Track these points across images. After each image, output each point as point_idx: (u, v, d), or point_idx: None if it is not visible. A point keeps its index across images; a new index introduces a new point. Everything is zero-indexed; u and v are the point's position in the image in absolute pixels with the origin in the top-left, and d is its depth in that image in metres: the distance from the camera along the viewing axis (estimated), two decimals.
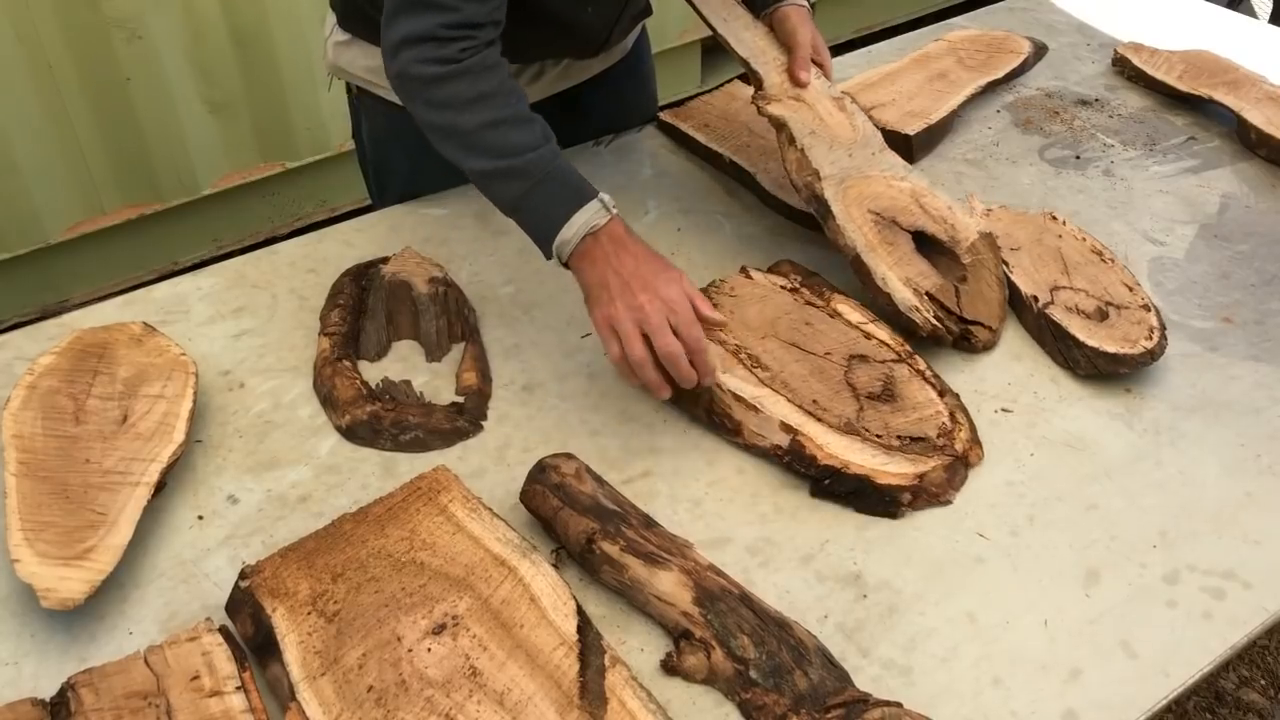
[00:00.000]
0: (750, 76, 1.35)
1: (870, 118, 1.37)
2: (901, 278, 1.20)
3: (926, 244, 1.25)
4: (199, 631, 0.87)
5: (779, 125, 1.30)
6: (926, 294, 1.20)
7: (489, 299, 1.30)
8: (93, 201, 2.41)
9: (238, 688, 0.82)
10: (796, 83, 1.32)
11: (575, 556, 0.95)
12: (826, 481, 1.03)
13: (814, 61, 1.36)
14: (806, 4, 1.38)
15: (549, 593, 0.88)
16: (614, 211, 1.08)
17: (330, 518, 0.97)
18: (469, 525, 0.94)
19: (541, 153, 1.08)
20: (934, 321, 1.17)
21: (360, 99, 1.46)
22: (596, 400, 1.16)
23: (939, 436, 1.06)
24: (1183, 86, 1.66)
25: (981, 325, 1.20)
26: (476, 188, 1.14)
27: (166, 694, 0.82)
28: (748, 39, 1.36)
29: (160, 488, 1.01)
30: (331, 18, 1.41)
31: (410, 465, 1.08)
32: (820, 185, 1.24)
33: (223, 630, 0.87)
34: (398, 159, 1.47)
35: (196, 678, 0.83)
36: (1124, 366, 1.15)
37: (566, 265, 1.09)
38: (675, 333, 1.03)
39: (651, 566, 0.91)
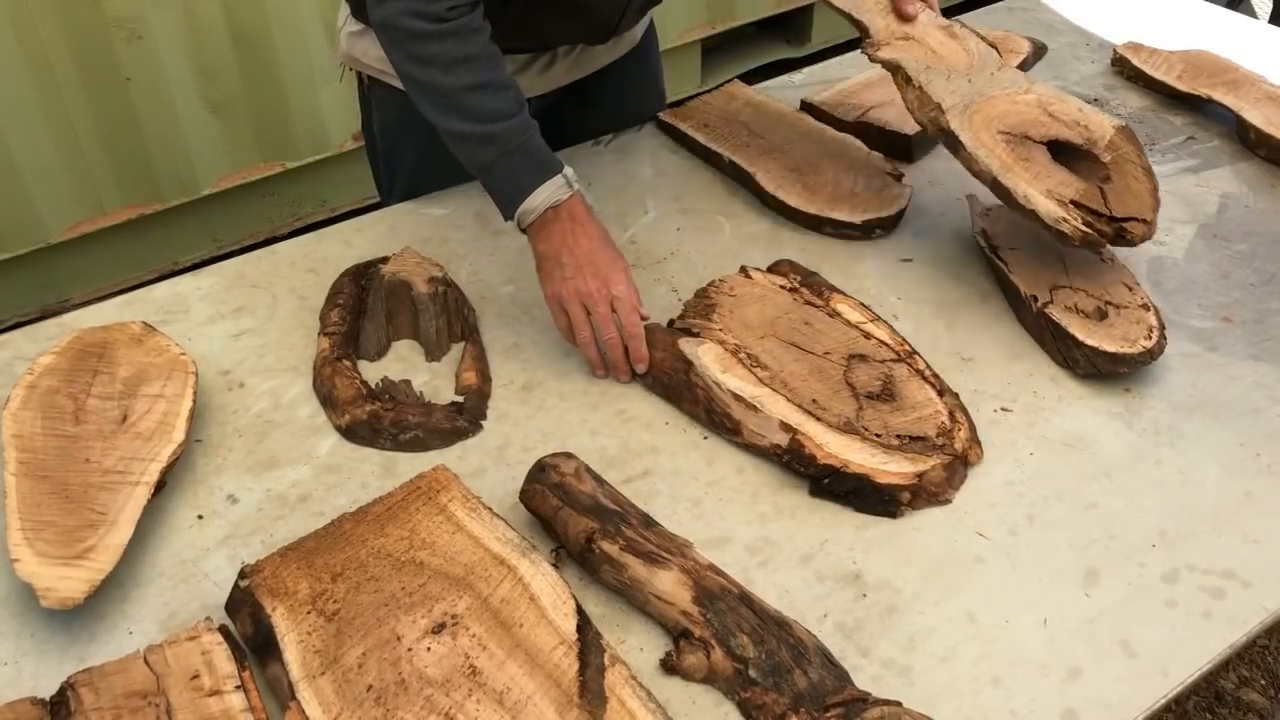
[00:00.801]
0: (855, 27, 1.36)
1: (982, 38, 1.35)
2: (1042, 191, 1.18)
3: (1064, 151, 1.24)
4: (199, 631, 0.87)
5: (893, 68, 1.31)
6: (1071, 202, 1.18)
7: (489, 298, 1.30)
8: (93, 201, 2.41)
9: (237, 687, 0.82)
10: (904, 17, 1.29)
11: (575, 556, 0.95)
12: (826, 481, 1.03)
13: None
14: None
15: (548, 592, 0.88)
16: (576, 187, 1.15)
17: (330, 517, 0.97)
18: (469, 525, 0.94)
19: (516, 121, 1.13)
20: (1083, 229, 1.16)
21: (372, 89, 1.46)
22: (596, 400, 1.16)
23: (938, 436, 1.06)
24: (1182, 86, 1.66)
25: (1135, 220, 1.18)
26: (446, 143, 1.17)
27: (166, 693, 0.82)
28: None
29: (160, 487, 1.01)
30: (345, 8, 1.42)
31: (410, 465, 1.08)
32: (945, 118, 1.25)
33: (222, 630, 0.87)
34: (407, 150, 1.48)
35: (196, 677, 0.83)
36: (1123, 366, 1.15)
37: (524, 231, 1.17)
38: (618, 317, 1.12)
39: (651, 566, 0.91)
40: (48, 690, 0.85)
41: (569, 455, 1.01)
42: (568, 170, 1.15)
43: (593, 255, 1.13)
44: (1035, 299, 1.22)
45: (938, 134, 1.27)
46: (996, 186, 1.21)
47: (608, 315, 1.13)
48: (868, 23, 1.34)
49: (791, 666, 0.86)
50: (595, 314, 1.13)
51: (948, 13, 1.46)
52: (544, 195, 1.13)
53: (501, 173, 1.15)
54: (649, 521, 0.97)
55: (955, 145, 1.25)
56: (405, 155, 1.49)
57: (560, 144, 1.56)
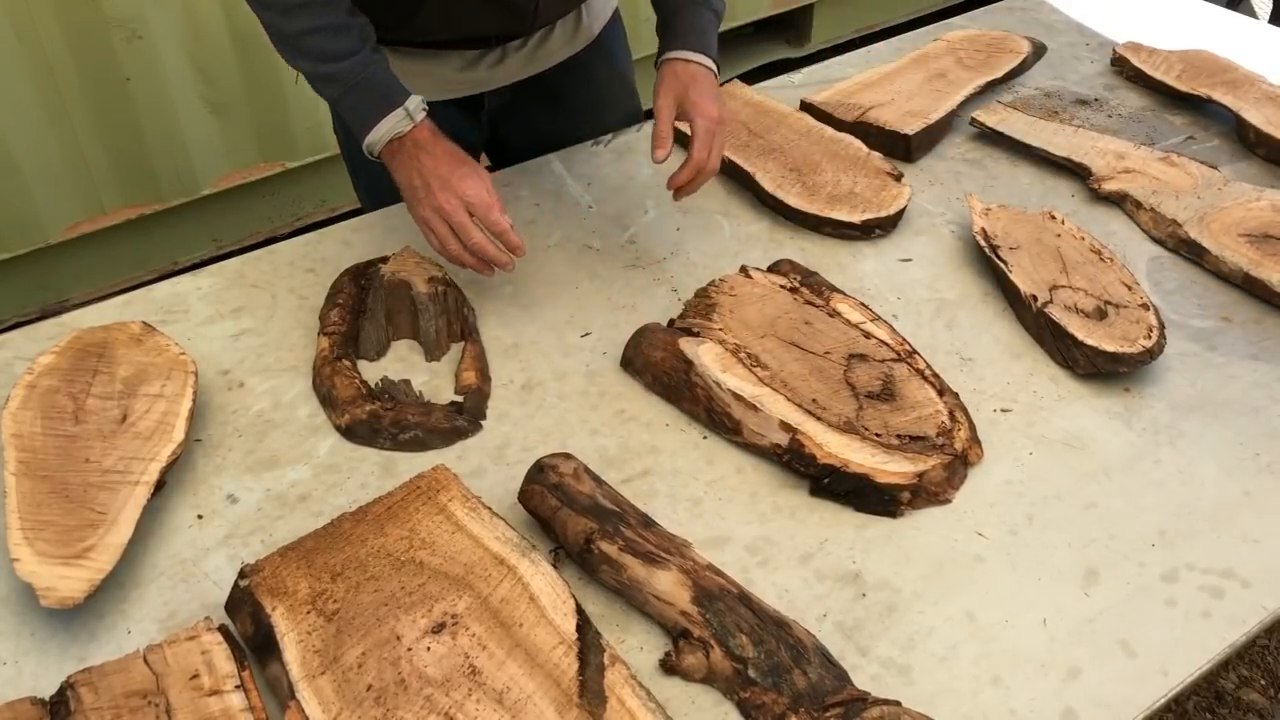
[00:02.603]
0: (1078, 170, 1.49)
1: (1201, 163, 1.45)
2: None
3: None
4: (198, 630, 0.87)
5: (1121, 197, 1.43)
6: None
7: (488, 298, 1.30)
8: (93, 201, 2.41)
9: (237, 686, 0.82)
10: (654, 158, 1.25)
11: (574, 556, 0.95)
12: (826, 480, 1.03)
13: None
14: (708, 63, 1.29)
15: (548, 591, 0.88)
16: (419, 117, 1.17)
17: (329, 517, 0.97)
18: (468, 524, 0.94)
19: (356, 60, 1.17)
20: None
21: None
22: (596, 400, 1.16)
23: (938, 435, 1.06)
24: (1182, 86, 1.66)
25: None
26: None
27: (166, 693, 0.82)
28: (1059, 141, 1.53)
29: (160, 487, 1.01)
30: None
31: (409, 464, 1.08)
32: (1183, 230, 1.34)
33: (222, 629, 0.87)
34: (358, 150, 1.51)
35: (196, 676, 0.83)
36: (1123, 365, 1.15)
37: (378, 160, 1.20)
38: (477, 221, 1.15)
39: (650, 566, 0.91)
40: (48, 690, 0.85)
41: (568, 455, 1.01)
42: (411, 102, 1.17)
43: (437, 171, 1.16)
44: (1035, 299, 1.22)
45: (1179, 246, 1.35)
46: (1250, 281, 1.29)
47: (466, 222, 1.15)
48: (1088, 164, 1.48)
49: (791, 666, 0.86)
50: (454, 224, 1.15)
51: (946, 14, 1.46)
52: (386, 127, 1.16)
53: (348, 108, 1.19)
54: (648, 522, 0.97)
55: (1199, 252, 1.34)
56: (368, 160, 1.51)
57: (530, 140, 1.58)
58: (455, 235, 1.16)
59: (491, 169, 1.57)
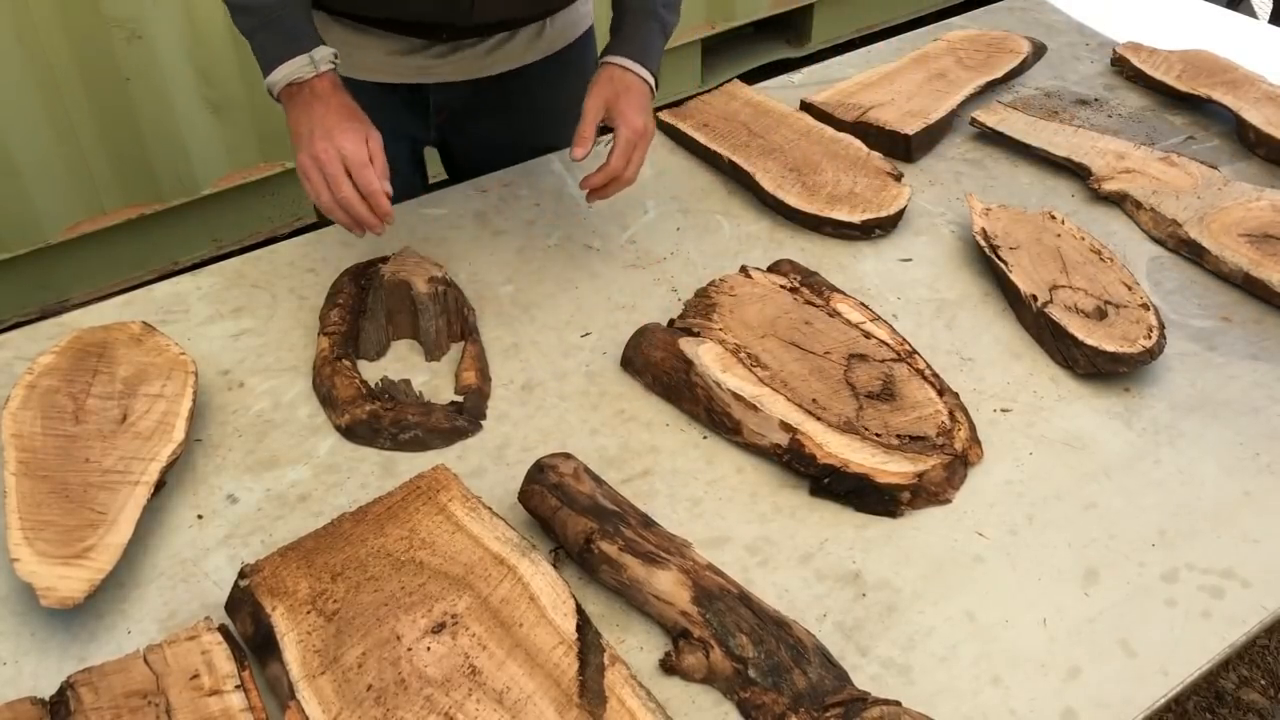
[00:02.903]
0: (1078, 170, 1.49)
1: (1201, 163, 1.46)
2: None
3: None
4: (198, 630, 0.87)
5: (1121, 197, 1.43)
6: None
7: (488, 298, 1.30)
8: (93, 201, 2.42)
9: (237, 686, 0.82)
10: (573, 156, 1.24)
11: (574, 556, 0.95)
12: (826, 480, 1.03)
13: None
14: (644, 75, 1.29)
15: (548, 591, 0.88)
16: (323, 68, 1.16)
17: (329, 517, 0.97)
18: (468, 524, 0.94)
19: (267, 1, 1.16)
20: None
21: None
22: (596, 400, 1.16)
23: (938, 435, 1.06)
24: (1182, 86, 1.66)
25: None
26: None
27: (166, 693, 0.82)
28: (1059, 141, 1.53)
29: (160, 487, 1.01)
30: None
31: (409, 464, 1.08)
32: (1183, 230, 1.34)
33: (222, 629, 0.87)
34: None
35: (196, 676, 0.83)
36: (1123, 365, 1.15)
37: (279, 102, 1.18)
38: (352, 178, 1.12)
39: (650, 566, 0.91)
40: (47, 690, 0.85)
41: (568, 455, 1.01)
42: (319, 51, 1.16)
43: (324, 120, 1.14)
44: (1035, 299, 1.22)
45: (1180, 246, 1.35)
46: (1250, 281, 1.29)
47: (338, 174, 1.12)
48: (1088, 164, 1.48)
49: (791, 666, 0.86)
50: (326, 172, 1.12)
51: (946, 14, 1.46)
52: (287, 69, 1.15)
53: (258, 45, 1.18)
54: (648, 521, 0.97)
55: (1199, 252, 1.34)
56: None
57: (480, 147, 1.55)
58: (328, 186, 1.13)
59: (448, 182, 1.56)
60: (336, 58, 1.19)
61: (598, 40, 1.54)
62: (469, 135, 1.54)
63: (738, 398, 1.08)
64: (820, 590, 0.96)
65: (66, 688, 0.83)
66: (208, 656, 0.84)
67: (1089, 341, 1.16)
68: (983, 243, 1.32)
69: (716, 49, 3.44)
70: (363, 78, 1.40)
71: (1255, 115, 1.56)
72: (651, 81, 1.29)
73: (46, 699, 0.84)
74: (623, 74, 1.27)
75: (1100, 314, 1.21)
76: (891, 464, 1.03)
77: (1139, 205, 1.42)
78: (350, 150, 1.12)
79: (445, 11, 1.34)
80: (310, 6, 1.22)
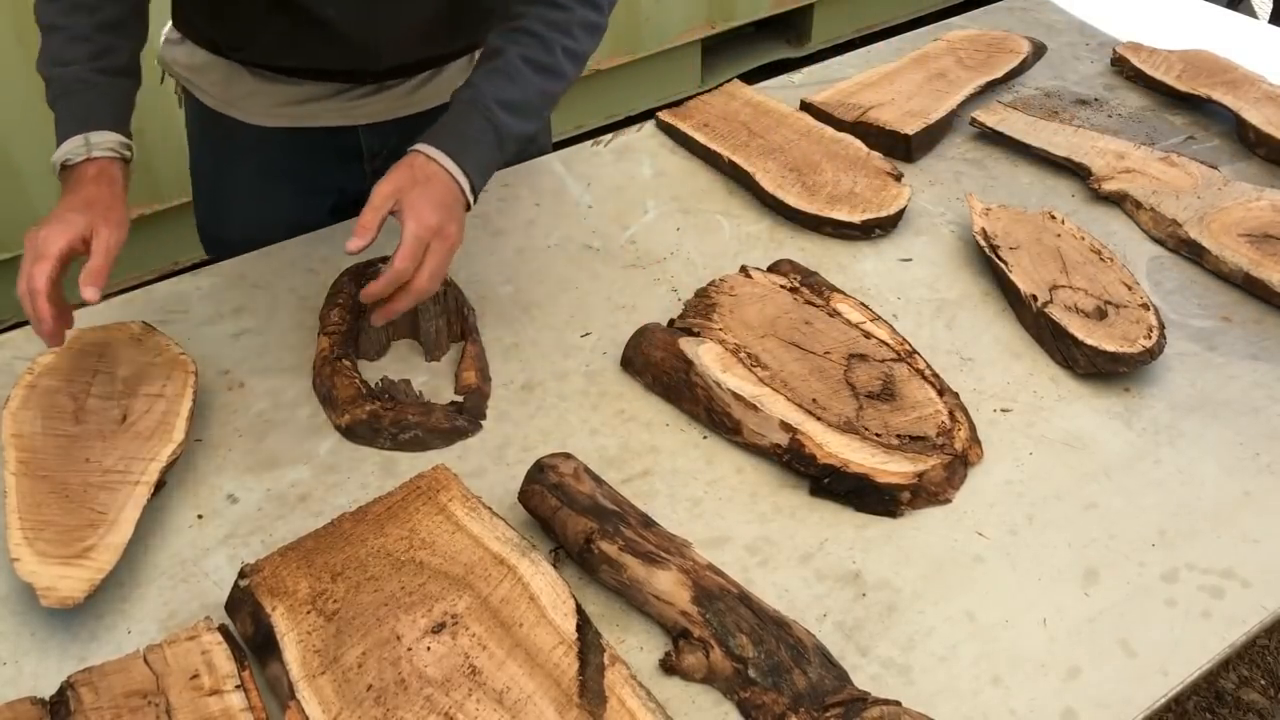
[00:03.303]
0: (1078, 170, 1.49)
1: (1201, 163, 1.45)
2: None
3: None
4: (198, 630, 0.87)
5: (1121, 197, 1.43)
6: None
7: (488, 298, 1.30)
8: None
9: (237, 686, 0.82)
10: (348, 248, 1.06)
11: (574, 556, 0.95)
12: (826, 480, 1.03)
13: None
14: (454, 171, 1.10)
15: (548, 591, 0.88)
16: (98, 154, 1.08)
17: (330, 517, 0.97)
18: (468, 524, 0.94)
19: (73, 70, 1.12)
20: None
21: (185, 96, 1.48)
22: (596, 400, 1.16)
23: (938, 435, 1.06)
24: (1182, 86, 1.66)
25: None
26: None
27: (166, 693, 0.82)
28: (1059, 141, 1.53)
29: (160, 487, 1.01)
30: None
31: (410, 464, 1.08)
32: (1183, 230, 1.34)
33: (222, 629, 0.87)
34: (205, 160, 1.49)
35: (196, 676, 0.83)
36: (1123, 365, 1.15)
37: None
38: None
39: (650, 566, 0.91)
40: (47, 689, 0.85)
41: (568, 455, 1.01)
42: (98, 136, 1.08)
43: (60, 206, 1.05)
44: (1035, 299, 1.22)
45: (1180, 246, 1.35)
46: (1250, 281, 1.29)
47: (25, 265, 0.99)
48: (1087, 164, 1.48)
49: (791, 666, 0.86)
50: (25, 260, 1.00)
51: (946, 14, 1.46)
52: (62, 150, 1.09)
53: (56, 118, 1.12)
54: (648, 521, 0.97)
55: (1199, 252, 1.33)
56: (204, 166, 1.49)
57: None
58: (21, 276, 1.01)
59: None
60: (128, 148, 1.11)
61: None
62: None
63: (738, 398, 1.08)
64: (820, 590, 0.96)
65: (66, 688, 0.83)
66: (208, 656, 0.84)
67: (1089, 341, 1.16)
68: (983, 243, 1.32)
69: (716, 49, 3.44)
70: (284, 125, 1.36)
71: (1255, 115, 1.56)
72: (463, 181, 1.09)
73: (46, 699, 0.84)
74: (426, 163, 1.08)
75: (1100, 314, 1.21)
76: (891, 464, 1.03)
77: (1139, 205, 1.42)
78: (42, 239, 1.00)
79: (355, 59, 1.30)
80: (125, 80, 1.16)
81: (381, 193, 1.06)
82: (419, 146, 1.10)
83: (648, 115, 1.70)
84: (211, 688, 0.82)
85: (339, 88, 1.35)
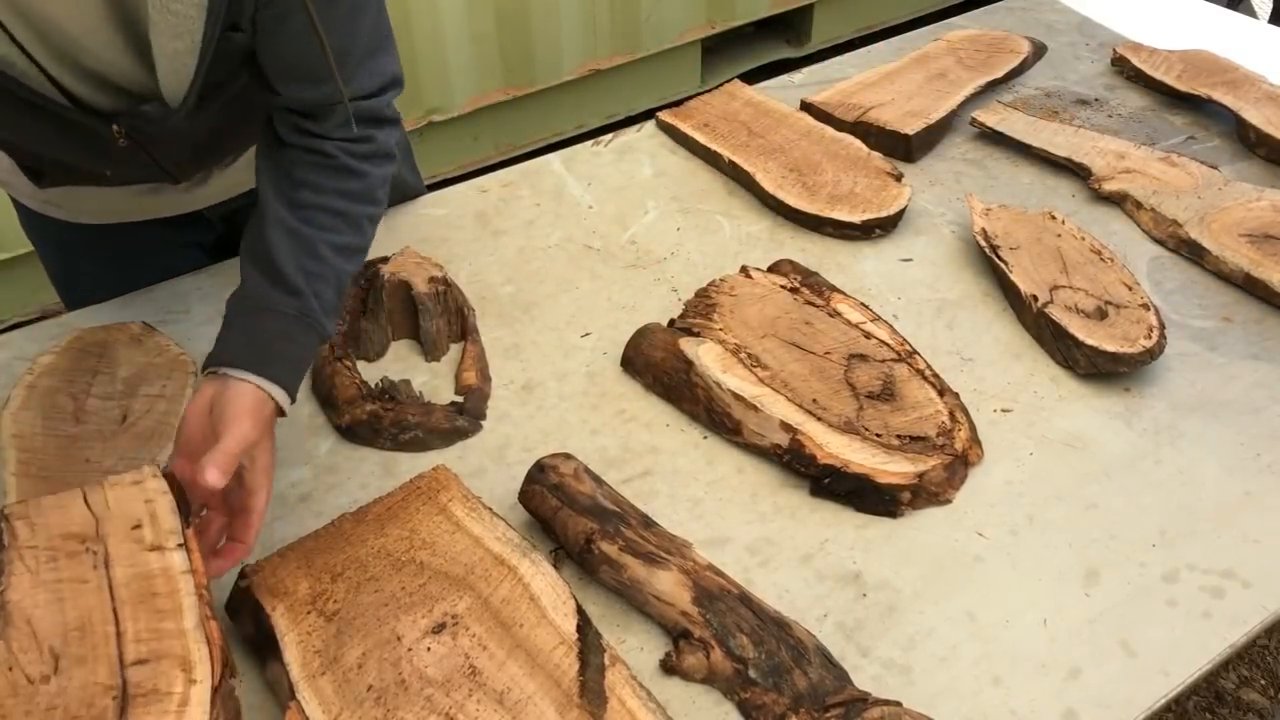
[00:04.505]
0: (1078, 170, 1.49)
1: (1201, 163, 1.44)
2: None
3: None
4: (143, 476, 0.82)
5: (1121, 197, 1.43)
6: None
7: (488, 299, 1.30)
8: None
9: (180, 545, 0.79)
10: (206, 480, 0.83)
11: (574, 556, 0.95)
12: (826, 480, 1.03)
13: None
14: (263, 387, 0.91)
15: (548, 592, 0.88)
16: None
17: (330, 517, 0.97)
18: (468, 524, 0.94)
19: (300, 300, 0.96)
20: None
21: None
22: (596, 400, 1.16)
23: (939, 436, 1.06)
24: (1182, 86, 1.66)
25: None
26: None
27: (105, 540, 0.78)
28: (1060, 141, 1.53)
29: None
30: None
31: (410, 465, 1.08)
32: (1184, 230, 1.34)
33: (168, 477, 0.82)
34: (51, 255, 1.34)
35: (138, 527, 0.79)
36: (1123, 365, 1.15)
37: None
38: None
39: (650, 566, 0.91)
40: None
41: (568, 456, 1.01)
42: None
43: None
44: (1035, 299, 1.22)
45: (1180, 246, 1.35)
46: (1250, 281, 1.28)
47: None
48: (1088, 164, 1.47)
49: (791, 666, 0.86)
50: None
51: (947, 14, 1.46)
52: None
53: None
54: (648, 522, 0.97)
55: (1199, 252, 1.33)
56: (51, 260, 1.35)
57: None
58: None
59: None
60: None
61: None
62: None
63: (738, 398, 1.08)
64: (820, 590, 0.96)
65: (2, 518, 0.79)
66: (151, 506, 0.80)
67: (1089, 341, 1.16)
68: (983, 243, 1.32)
69: (716, 49, 3.44)
70: (118, 220, 1.25)
71: (1255, 115, 1.56)
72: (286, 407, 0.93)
73: None
74: (265, 403, 0.91)
75: (1100, 314, 1.21)
76: (892, 464, 1.02)
77: (1139, 205, 1.42)
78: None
79: (164, 177, 1.13)
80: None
81: (236, 448, 0.85)
82: (261, 383, 0.91)
83: (648, 115, 1.70)
84: (153, 542, 0.78)
85: (151, 188, 1.19)
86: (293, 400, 0.94)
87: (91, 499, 0.82)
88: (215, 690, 0.71)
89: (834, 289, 1.25)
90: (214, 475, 0.81)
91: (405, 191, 1.46)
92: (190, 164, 1.14)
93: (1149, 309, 1.21)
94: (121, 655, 0.73)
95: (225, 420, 0.86)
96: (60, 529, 0.79)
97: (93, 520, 0.80)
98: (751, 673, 0.85)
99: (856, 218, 1.38)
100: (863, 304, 1.23)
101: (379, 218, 1.07)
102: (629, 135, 1.61)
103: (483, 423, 1.13)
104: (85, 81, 0.91)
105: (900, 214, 1.40)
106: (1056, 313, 1.20)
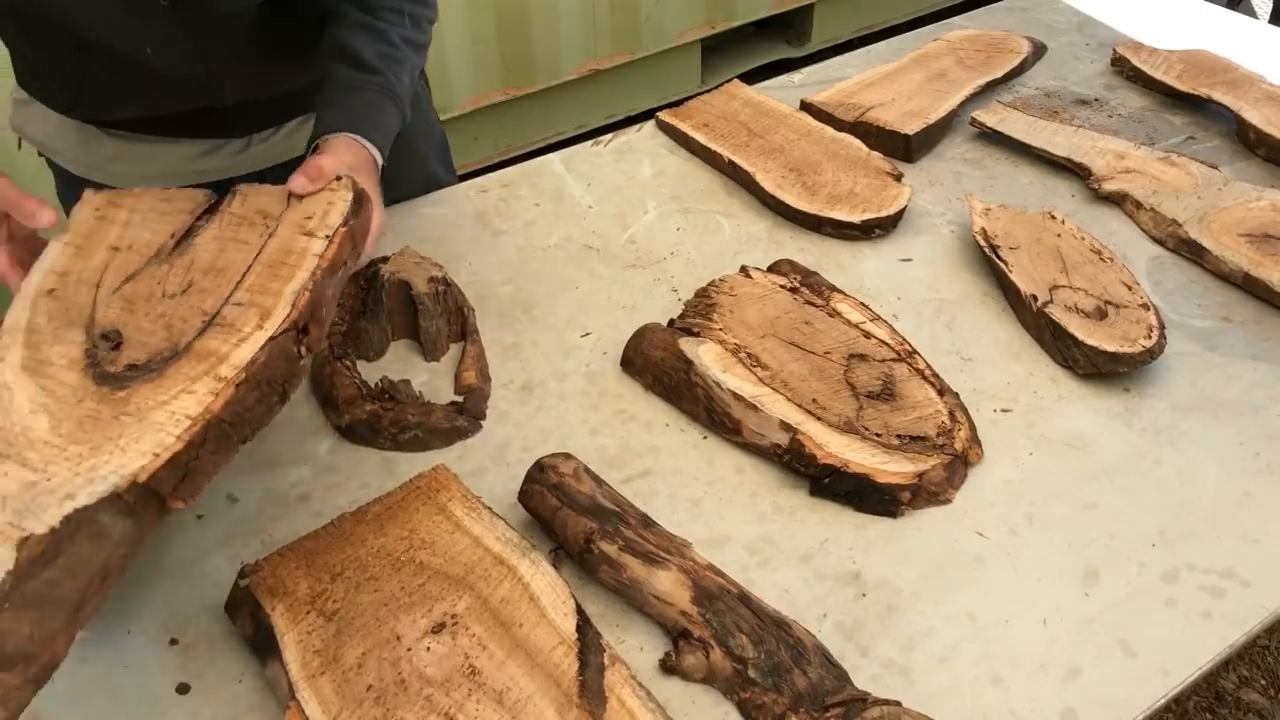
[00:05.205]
0: (1078, 170, 1.49)
1: (1201, 162, 1.45)
2: None
3: None
4: (338, 185, 0.95)
5: (1121, 197, 1.43)
6: None
7: (488, 298, 1.30)
8: None
9: (327, 236, 0.90)
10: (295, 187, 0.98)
11: (574, 556, 0.95)
12: (826, 480, 1.03)
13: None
14: (359, 141, 1.09)
15: (548, 592, 0.88)
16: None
17: (329, 517, 0.97)
18: (468, 524, 0.94)
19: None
20: None
21: (49, 164, 1.37)
22: (596, 400, 1.16)
23: (938, 435, 1.06)
24: (1182, 86, 1.66)
25: None
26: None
27: (281, 220, 0.93)
28: (1059, 141, 1.53)
29: None
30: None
31: (409, 464, 1.08)
32: (1183, 230, 1.34)
33: (359, 195, 0.95)
34: None
35: (310, 218, 0.92)
36: (1123, 365, 1.15)
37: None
38: None
39: (650, 566, 0.91)
40: (47, 691, 0.85)
41: (568, 455, 1.01)
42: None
43: None
44: (1035, 299, 1.22)
45: (1180, 246, 1.36)
46: (1250, 281, 1.28)
47: None
48: (1087, 163, 1.48)
49: (791, 666, 0.86)
50: None
51: (946, 14, 1.46)
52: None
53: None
54: (648, 522, 0.97)
55: (1199, 252, 1.33)
56: None
57: None
58: None
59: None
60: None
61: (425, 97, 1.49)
62: None
63: (738, 398, 1.08)
64: (820, 590, 0.96)
65: (233, 191, 0.98)
66: (329, 207, 0.93)
67: (1089, 341, 1.16)
68: (983, 243, 1.32)
69: (716, 49, 3.44)
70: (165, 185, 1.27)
71: (1255, 115, 1.56)
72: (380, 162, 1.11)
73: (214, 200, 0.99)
74: (361, 150, 1.09)
75: (1100, 314, 1.21)
76: (892, 464, 1.03)
77: (1139, 205, 1.42)
78: None
79: (195, 98, 1.22)
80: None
81: (332, 164, 1.00)
82: (357, 138, 1.09)
83: (648, 115, 1.70)
84: (310, 230, 0.91)
85: (206, 146, 1.28)
86: (384, 159, 1.11)
87: (293, 201, 0.95)
88: (272, 339, 0.83)
89: (834, 289, 1.25)
90: (300, 180, 0.96)
91: (437, 185, 1.53)
92: (232, 69, 1.21)
93: (1149, 309, 1.21)
94: (231, 295, 0.87)
95: (324, 151, 1.04)
96: (257, 206, 0.96)
97: (283, 208, 0.94)
98: (751, 672, 0.86)
99: (856, 218, 1.38)
100: (862, 304, 1.23)
101: (434, 22, 1.26)
102: (629, 135, 1.62)
103: (482, 423, 1.13)
104: None
105: (900, 214, 1.40)
106: (1056, 312, 1.20)
